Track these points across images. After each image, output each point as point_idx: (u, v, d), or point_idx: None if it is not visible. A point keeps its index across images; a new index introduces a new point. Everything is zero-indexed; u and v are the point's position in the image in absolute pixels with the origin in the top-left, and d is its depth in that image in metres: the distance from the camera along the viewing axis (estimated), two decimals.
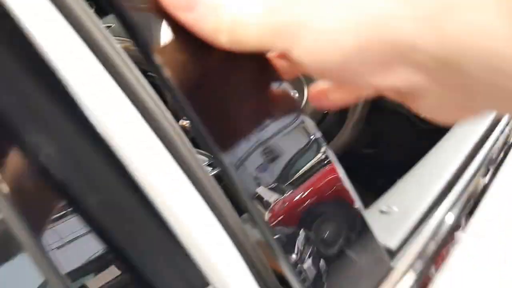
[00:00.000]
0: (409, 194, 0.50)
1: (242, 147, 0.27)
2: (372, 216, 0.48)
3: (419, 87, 0.21)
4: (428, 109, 0.23)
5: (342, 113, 0.85)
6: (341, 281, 0.32)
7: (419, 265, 0.42)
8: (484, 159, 0.53)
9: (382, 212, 0.48)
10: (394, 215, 0.47)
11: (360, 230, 0.34)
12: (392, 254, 0.42)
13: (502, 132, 0.57)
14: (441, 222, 0.45)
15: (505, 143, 0.57)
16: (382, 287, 0.38)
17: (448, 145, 0.56)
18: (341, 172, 0.32)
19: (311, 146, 0.30)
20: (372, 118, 0.83)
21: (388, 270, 0.39)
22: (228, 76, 0.27)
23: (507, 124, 0.59)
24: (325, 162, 0.31)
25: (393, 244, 0.43)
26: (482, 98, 0.21)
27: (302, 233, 0.30)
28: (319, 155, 0.30)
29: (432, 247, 0.44)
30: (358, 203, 0.33)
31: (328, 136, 0.87)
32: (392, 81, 0.21)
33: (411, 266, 0.41)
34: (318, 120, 0.87)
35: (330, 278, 0.31)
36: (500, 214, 0.50)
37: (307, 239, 0.30)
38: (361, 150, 0.88)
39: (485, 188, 0.51)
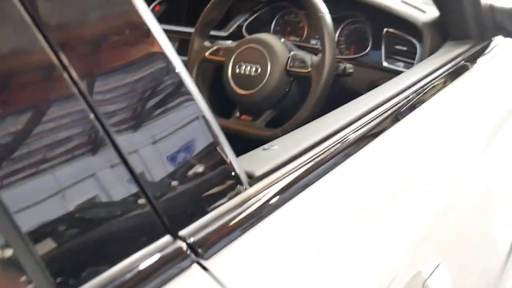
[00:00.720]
0: (293, 138, 0.57)
1: None
2: (255, 152, 0.55)
3: None
4: None
5: (304, 91, 0.92)
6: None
7: (275, 189, 0.49)
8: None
9: (264, 149, 0.55)
10: (271, 152, 0.54)
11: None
12: (254, 179, 0.49)
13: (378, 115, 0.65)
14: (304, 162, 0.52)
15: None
16: (235, 202, 0.46)
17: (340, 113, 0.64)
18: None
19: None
20: (333, 98, 0.89)
21: (240, 189, 0.46)
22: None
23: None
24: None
25: (258, 172, 0.50)
26: None
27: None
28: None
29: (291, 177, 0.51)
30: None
31: (290, 111, 0.94)
32: None
33: (266, 189, 0.49)
34: (281, 95, 0.94)
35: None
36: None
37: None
38: None
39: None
